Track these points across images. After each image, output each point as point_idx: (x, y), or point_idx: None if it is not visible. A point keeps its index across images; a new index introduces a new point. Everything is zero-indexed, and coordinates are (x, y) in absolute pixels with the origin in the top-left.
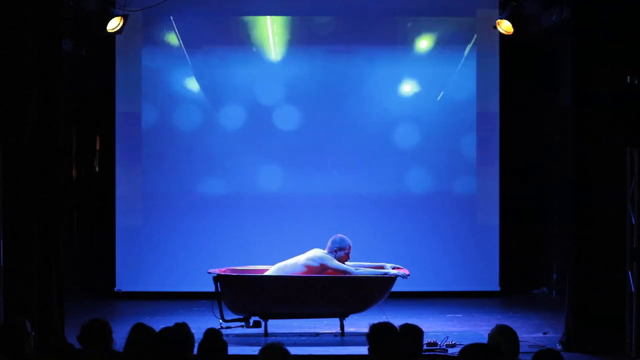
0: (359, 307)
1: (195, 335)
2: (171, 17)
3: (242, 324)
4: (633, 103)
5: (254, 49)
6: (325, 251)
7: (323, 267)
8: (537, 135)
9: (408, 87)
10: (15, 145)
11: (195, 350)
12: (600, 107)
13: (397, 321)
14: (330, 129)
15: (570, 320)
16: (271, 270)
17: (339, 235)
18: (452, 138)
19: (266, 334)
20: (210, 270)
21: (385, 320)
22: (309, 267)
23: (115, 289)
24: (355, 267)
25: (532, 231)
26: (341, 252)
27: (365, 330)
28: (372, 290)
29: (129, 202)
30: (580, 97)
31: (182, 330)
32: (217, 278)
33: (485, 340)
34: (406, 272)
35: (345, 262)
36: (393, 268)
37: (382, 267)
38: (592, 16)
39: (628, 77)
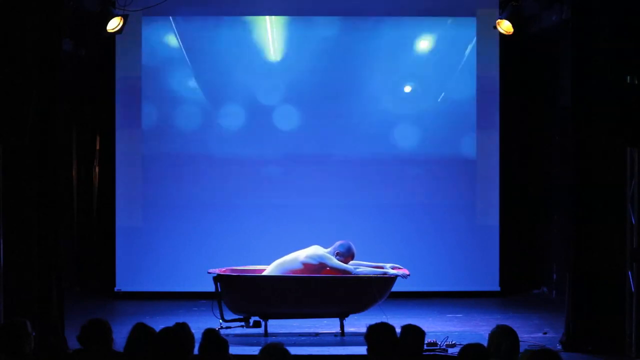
0: (359, 307)
1: (195, 335)
2: (171, 18)
3: (242, 324)
4: (633, 103)
5: (254, 49)
6: (326, 249)
7: (322, 266)
8: (537, 135)
9: (408, 88)
10: (16, 145)
11: (196, 351)
12: (600, 107)
13: (397, 321)
14: (330, 129)
15: (570, 320)
16: (270, 266)
17: (349, 242)
18: (452, 138)
19: (266, 334)
20: (210, 270)
21: (385, 320)
22: (307, 265)
23: (115, 289)
24: (355, 266)
25: (532, 231)
26: (341, 257)
27: (365, 330)
28: (372, 290)
29: (129, 202)
30: (580, 97)
31: (182, 330)
32: (217, 278)
33: (485, 340)
34: (406, 272)
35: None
36: (393, 268)
37: (382, 267)
38: (592, 16)
39: (628, 77)
